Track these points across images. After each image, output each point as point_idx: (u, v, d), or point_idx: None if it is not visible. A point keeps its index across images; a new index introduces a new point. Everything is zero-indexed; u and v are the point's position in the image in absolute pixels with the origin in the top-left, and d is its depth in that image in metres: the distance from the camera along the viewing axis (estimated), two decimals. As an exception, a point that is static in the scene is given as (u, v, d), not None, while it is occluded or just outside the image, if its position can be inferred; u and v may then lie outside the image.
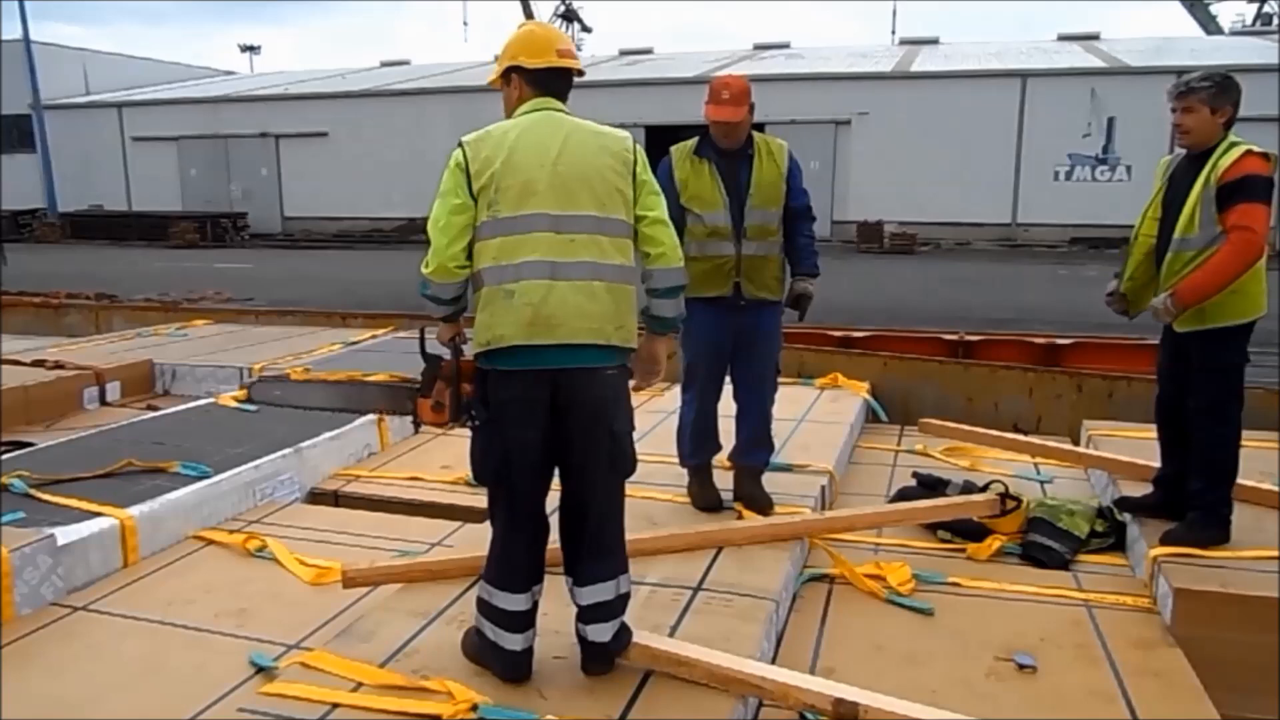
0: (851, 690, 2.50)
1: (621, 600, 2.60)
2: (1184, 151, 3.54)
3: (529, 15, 29.00)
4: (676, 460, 4.02)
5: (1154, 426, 3.82)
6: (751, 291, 3.76)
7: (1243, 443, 3.52)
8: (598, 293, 2.49)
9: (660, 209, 2.67)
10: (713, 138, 3.76)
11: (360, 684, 2.54)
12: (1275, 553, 3.37)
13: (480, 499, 2.87)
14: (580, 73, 2.72)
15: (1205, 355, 3.43)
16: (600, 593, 2.55)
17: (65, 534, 3.33)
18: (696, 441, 3.92)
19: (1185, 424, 3.55)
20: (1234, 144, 3.35)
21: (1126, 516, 3.86)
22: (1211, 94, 3.35)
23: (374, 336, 8.02)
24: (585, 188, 2.53)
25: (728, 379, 3.98)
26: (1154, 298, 3.49)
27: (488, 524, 2.65)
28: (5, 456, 4.27)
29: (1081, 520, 3.81)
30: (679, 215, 3.74)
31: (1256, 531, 3.57)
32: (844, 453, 4.89)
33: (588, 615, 2.57)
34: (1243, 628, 3.06)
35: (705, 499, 3.90)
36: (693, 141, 3.83)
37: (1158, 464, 3.84)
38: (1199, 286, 3.32)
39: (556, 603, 2.68)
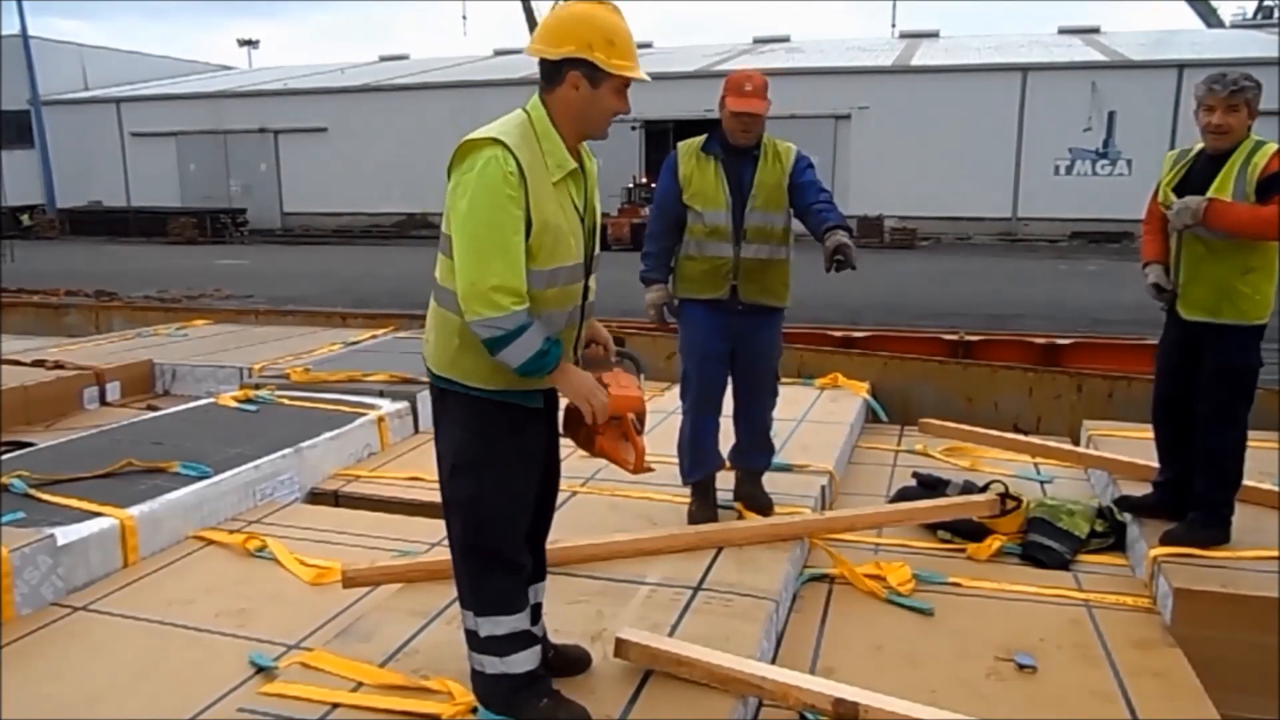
0: (851, 690, 2.49)
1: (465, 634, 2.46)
2: (1191, 147, 3.51)
3: (529, 12, 28.83)
4: (677, 463, 3.98)
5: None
6: (749, 295, 3.67)
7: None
8: (430, 313, 2.40)
9: (452, 225, 2.22)
10: (725, 134, 3.64)
11: (360, 684, 2.54)
12: (1275, 553, 3.37)
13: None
14: None
15: (1220, 356, 3.41)
16: None
17: (65, 534, 3.33)
18: (693, 456, 3.82)
19: (1187, 423, 3.53)
20: (1260, 142, 3.33)
21: (1126, 516, 3.85)
22: (1255, 95, 3.31)
23: (374, 336, 7.99)
24: None
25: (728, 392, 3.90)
26: (1182, 199, 3.36)
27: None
28: (5, 456, 4.27)
29: (1081, 520, 3.80)
30: (679, 213, 3.70)
31: (1256, 531, 3.57)
32: (844, 453, 4.89)
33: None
34: (1243, 628, 3.06)
35: (704, 520, 3.76)
36: (700, 139, 3.74)
37: (1158, 464, 3.82)
38: (1236, 216, 3.26)
39: (555, 602, 2.68)
